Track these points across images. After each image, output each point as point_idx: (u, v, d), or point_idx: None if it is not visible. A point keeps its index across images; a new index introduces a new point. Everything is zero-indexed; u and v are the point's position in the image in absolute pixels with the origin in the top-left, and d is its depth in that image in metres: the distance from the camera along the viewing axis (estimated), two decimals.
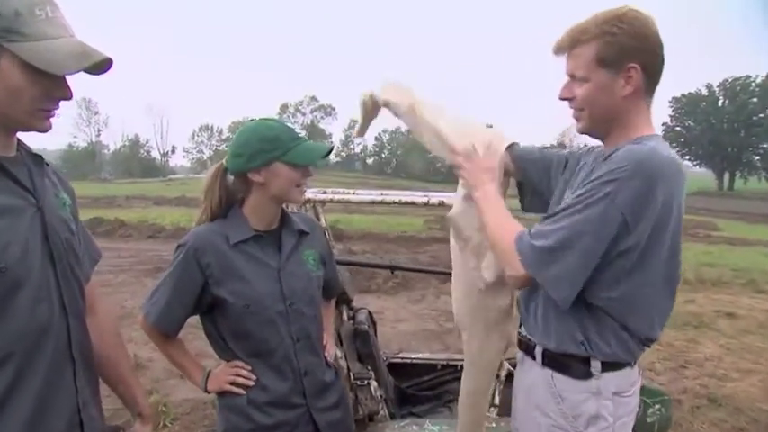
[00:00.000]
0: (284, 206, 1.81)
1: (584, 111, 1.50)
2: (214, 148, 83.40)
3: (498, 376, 3.01)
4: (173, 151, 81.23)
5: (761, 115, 61.00)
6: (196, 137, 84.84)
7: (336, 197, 2.66)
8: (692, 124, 67.24)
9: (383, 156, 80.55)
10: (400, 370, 3.46)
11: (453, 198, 1.87)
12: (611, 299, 1.43)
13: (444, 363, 3.52)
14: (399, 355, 3.58)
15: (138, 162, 72.05)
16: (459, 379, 3.59)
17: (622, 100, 1.45)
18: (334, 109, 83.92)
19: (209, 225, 1.72)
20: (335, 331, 2.59)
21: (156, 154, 78.29)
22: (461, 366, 3.61)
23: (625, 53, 1.41)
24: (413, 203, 2.57)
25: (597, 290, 1.42)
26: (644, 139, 1.43)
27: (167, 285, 1.68)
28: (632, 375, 1.53)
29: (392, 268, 2.94)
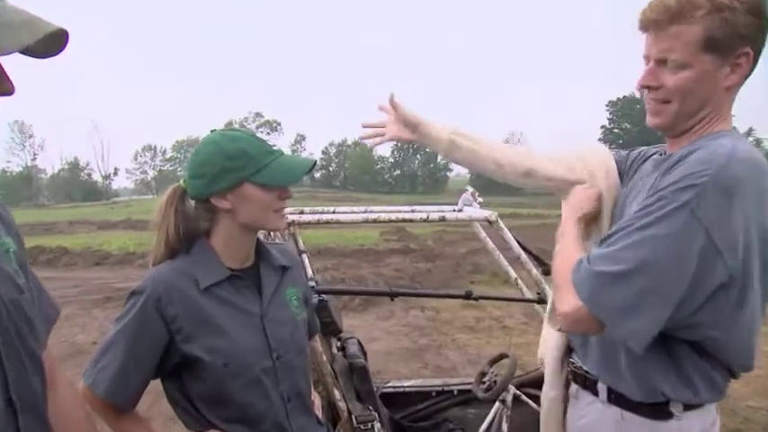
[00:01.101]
0: (259, 235, 1.51)
1: (672, 104, 1.23)
2: (158, 168, 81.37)
3: (504, 401, 2.80)
4: (115, 173, 78.89)
5: None
6: (139, 157, 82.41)
7: (324, 217, 2.40)
8: (628, 126, 69.88)
9: (331, 169, 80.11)
10: (392, 399, 3.20)
11: None
12: (709, 337, 1.18)
13: (440, 389, 3.28)
14: (390, 384, 3.31)
15: (78, 185, 69.55)
16: (456, 405, 3.45)
17: (724, 92, 1.21)
18: (279, 124, 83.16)
19: (170, 265, 1.37)
20: (330, 368, 2.31)
21: (97, 176, 75.83)
22: (457, 392, 3.46)
23: (740, 35, 1.15)
24: (411, 220, 2.34)
25: (687, 326, 1.16)
26: (721, 136, 1.21)
27: (119, 345, 1.30)
28: (713, 412, 1.32)
29: (392, 295, 2.67)
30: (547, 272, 2.67)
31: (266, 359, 1.39)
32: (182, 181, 1.42)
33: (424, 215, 2.33)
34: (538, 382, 3.06)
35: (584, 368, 1.40)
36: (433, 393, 3.28)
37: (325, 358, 2.21)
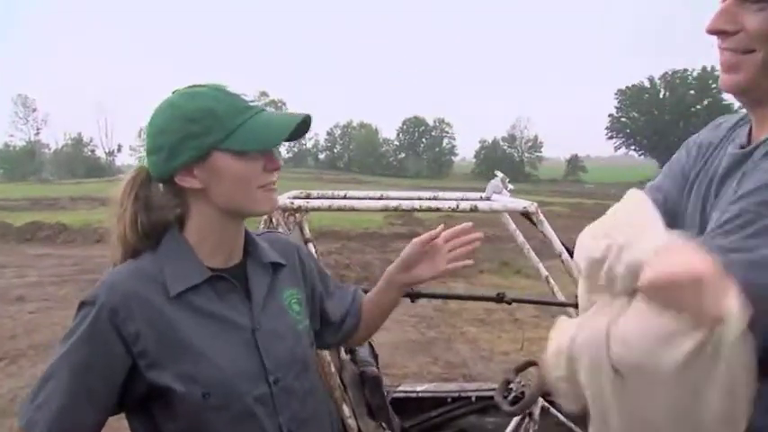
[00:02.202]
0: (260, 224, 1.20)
1: (756, 53, 0.91)
2: None
3: (531, 414, 2.50)
4: (119, 150, 78.26)
5: (698, 106, 64.00)
6: (143, 135, 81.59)
7: (335, 203, 2.07)
8: (636, 115, 69.31)
9: (335, 151, 79.50)
10: (403, 405, 2.91)
11: None
12: None
13: (456, 395, 2.98)
14: (402, 389, 3.02)
15: (81, 161, 69.03)
16: (472, 413, 3.16)
17: None
18: (284, 104, 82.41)
19: (131, 266, 1.07)
20: (339, 379, 2.00)
21: (100, 153, 75.40)
22: (475, 398, 3.17)
23: None
24: (437, 209, 2.02)
25: None
26: None
27: (64, 373, 0.98)
28: None
29: (414, 296, 2.34)
30: None
31: (261, 385, 1.08)
32: (143, 162, 1.10)
33: (452, 204, 2.00)
34: None
35: None
36: (449, 400, 2.99)
37: (333, 368, 1.89)
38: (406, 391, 2.99)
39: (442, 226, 1.35)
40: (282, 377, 1.11)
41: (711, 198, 1.05)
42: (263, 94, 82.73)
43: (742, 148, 1.01)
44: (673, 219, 1.10)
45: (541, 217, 2.02)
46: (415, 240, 1.34)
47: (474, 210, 2.00)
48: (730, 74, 0.96)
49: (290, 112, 1.13)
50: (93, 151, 74.52)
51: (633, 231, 0.94)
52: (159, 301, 1.03)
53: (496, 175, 2.59)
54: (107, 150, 76.25)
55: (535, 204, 2.03)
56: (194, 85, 1.09)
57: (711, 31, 0.96)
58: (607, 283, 0.87)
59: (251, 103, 1.08)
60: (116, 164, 75.27)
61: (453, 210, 2.00)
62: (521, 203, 2.07)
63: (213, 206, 1.07)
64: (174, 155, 1.03)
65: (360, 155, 71.50)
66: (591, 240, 0.94)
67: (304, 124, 1.08)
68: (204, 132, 1.02)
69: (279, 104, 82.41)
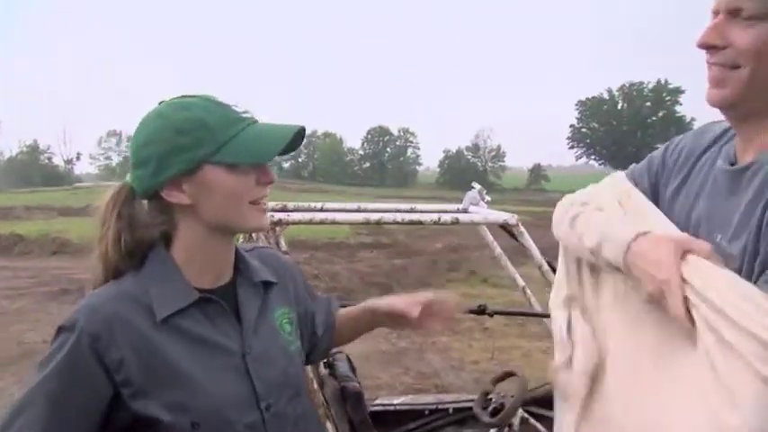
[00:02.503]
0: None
1: (742, 69, 0.93)
2: (123, 154, 79.08)
3: (511, 425, 2.50)
4: (77, 158, 76.22)
5: (654, 118, 66.23)
6: (103, 143, 79.99)
7: (317, 217, 2.05)
8: (596, 126, 70.98)
9: (300, 160, 79.04)
10: (381, 419, 2.88)
11: None
12: None
13: (433, 407, 2.97)
14: (379, 402, 2.99)
15: (38, 169, 67.00)
16: (450, 425, 3.15)
17: None
18: (248, 113, 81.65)
19: (114, 288, 1.01)
20: (321, 396, 1.97)
21: (58, 161, 73.30)
22: (453, 410, 3.16)
23: None
24: (419, 222, 2.01)
25: None
26: None
27: (40, 405, 0.91)
28: None
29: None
30: None
31: (252, 412, 1.03)
32: (127, 177, 1.04)
33: (434, 217, 1.99)
34: (545, 401, 2.81)
35: None
36: (426, 412, 2.98)
37: (315, 385, 1.86)
38: (383, 404, 2.97)
39: (432, 295, 1.32)
40: (274, 402, 1.06)
41: (699, 208, 1.06)
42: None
43: (731, 164, 1.03)
44: None
45: (522, 229, 2.03)
46: (409, 302, 1.29)
47: (455, 222, 2.01)
48: (717, 89, 0.97)
49: (283, 123, 1.08)
50: (50, 159, 72.52)
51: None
52: (145, 326, 0.97)
53: (473, 187, 2.60)
54: (65, 158, 74.23)
55: (516, 217, 2.04)
56: (183, 96, 1.05)
57: (702, 46, 0.97)
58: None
59: (243, 114, 1.04)
60: (75, 172, 73.42)
61: (435, 222, 1.99)
62: (501, 216, 2.08)
63: (202, 222, 1.02)
64: (163, 168, 0.98)
65: (324, 164, 71.28)
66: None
67: (299, 136, 1.05)
68: (195, 144, 0.97)
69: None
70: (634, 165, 1.28)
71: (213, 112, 1.00)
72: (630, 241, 0.96)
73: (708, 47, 0.96)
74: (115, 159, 79.71)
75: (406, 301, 1.29)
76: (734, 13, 0.92)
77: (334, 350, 2.58)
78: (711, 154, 1.11)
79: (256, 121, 1.04)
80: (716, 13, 0.95)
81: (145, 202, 1.04)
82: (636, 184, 1.20)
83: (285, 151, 1.04)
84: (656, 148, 1.25)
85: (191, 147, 0.97)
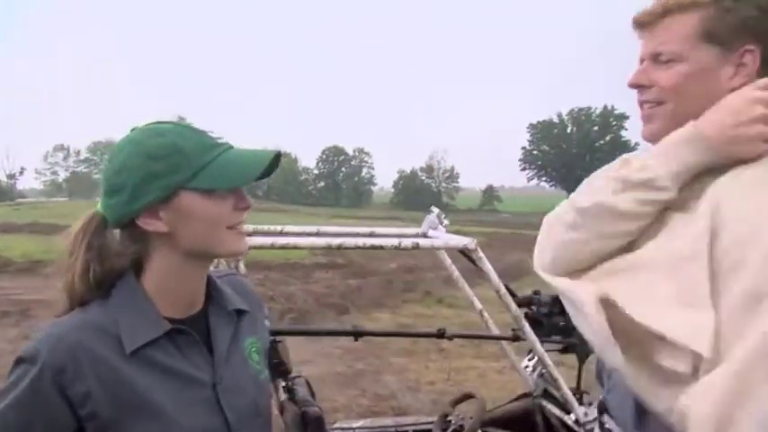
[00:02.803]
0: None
1: (667, 104, 1.06)
2: (71, 169, 76.54)
3: None
4: (21, 173, 73.41)
5: (601, 141, 68.91)
6: (50, 157, 77.33)
7: (278, 241, 2.05)
8: (546, 148, 73.02)
9: None
10: None
11: None
12: None
13: (393, 430, 2.97)
14: (338, 426, 2.97)
15: None
16: None
17: (728, 94, 1.02)
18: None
19: (78, 317, 0.98)
20: (282, 422, 1.96)
21: (0, 176, 70.46)
22: None
23: (742, 29, 1.01)
24: (381, 247, 2.04)
25: None
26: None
27: None
28: None
29: (356, 335, 2.34)
30: (519, 304, 2.45)
31: None
32: (97, 205, 1.02)
33: (395, 242, 2.02)
34: (504, 421, 2.85)
35: None
36: None
37: (276, 410, 1.85)
38: (342, 429, 2.94)
39: None
40: None
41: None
42: (181, 119, 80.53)
43: None
44: None
45: (480, 254, 2.08)
46: None
47: (416, 247, 2.04)
48: (648, 125, 1.11)
49: (258, 149, 1.09)
50: None
51: None
52: (113, 357, 0.94)
53: (432, 211, 2.65)
54: (8, 173, 71.34)
55: (475, 241, 2.09)
56: (157, 122, 1.03)
57: (632, 86, 1.12)
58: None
59: (218, 141, 1.03)
60: (18, 187, 70.60)
61: (396, 247, 2.02)
62: (462, 241, 2.12)
63: (178, 250, 1.00)
64: (137, 196, 0.95)
65: (279, 183, 70.75)
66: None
67: (275, 161, 1.04)
68: (171, 171, 0.95)
69: None
70: None
71: (188, 138, 0.99)
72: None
73: (637, 86, 1.10)
74: (62, 175, 77.24)
75: None
76: (655, 58, 1.07)
77: (293, 374, 2.58)
78: None
79: (232, 147, 1.04)
80: (642, 59, 1.10)
81: (117, 231, 1.02)
82: None
83: (261, 176, 1.03)
84: None
85: (166, 173, 0.96)
